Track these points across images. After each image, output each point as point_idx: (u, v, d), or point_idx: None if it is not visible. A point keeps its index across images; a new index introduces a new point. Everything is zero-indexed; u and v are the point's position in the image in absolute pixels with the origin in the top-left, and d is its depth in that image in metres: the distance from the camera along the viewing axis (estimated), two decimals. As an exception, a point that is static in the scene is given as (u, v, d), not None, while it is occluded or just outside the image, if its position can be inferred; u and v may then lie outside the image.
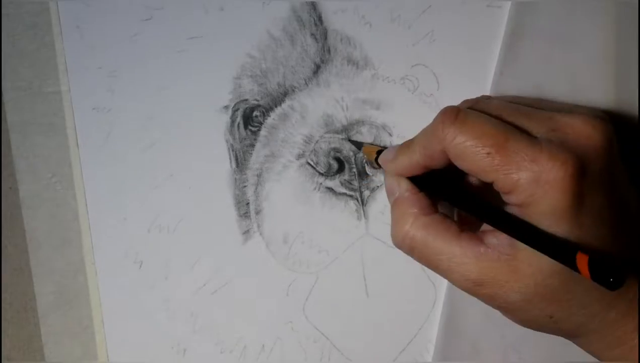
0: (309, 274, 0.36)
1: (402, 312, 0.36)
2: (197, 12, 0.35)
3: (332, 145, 0.35)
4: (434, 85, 0.35)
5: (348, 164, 0.35)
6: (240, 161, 0.36)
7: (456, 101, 0.34)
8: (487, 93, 0.35)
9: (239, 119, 0.36)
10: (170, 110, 0.36)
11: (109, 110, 0.36)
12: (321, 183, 0.35)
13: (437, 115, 0.28)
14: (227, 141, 0.36)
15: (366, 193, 0.36)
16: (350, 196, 0.36)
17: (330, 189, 0.35)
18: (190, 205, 0.36)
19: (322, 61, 0.35)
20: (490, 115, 0.28)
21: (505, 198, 0.28)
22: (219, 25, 0.35)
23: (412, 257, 0.30)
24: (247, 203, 0.36)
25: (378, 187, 0.36)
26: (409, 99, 0.35)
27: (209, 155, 0.36)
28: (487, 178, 0.27)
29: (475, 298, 0.28)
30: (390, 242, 0.36)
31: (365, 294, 0.36)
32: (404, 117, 0.35)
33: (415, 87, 0.35)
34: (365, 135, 0.35)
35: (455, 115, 0.28)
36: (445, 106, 0.29)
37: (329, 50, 0.35)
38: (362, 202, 0.36)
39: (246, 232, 0.36)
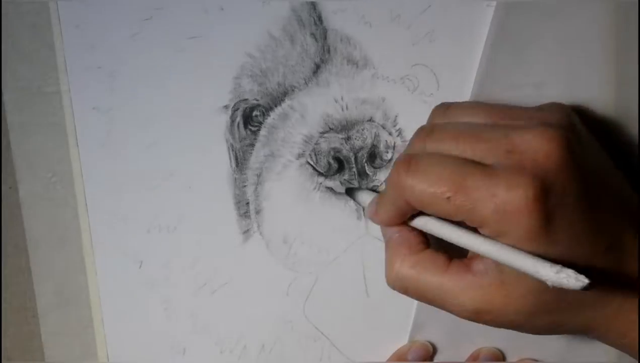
0: (309, 274, 0.36)
1: (402, 312, 0.36)
2: (197, 12, 0.35)
3: (332, 145, 0.35)
4: (434, 85, 0.35)
5: (348, 164, 0.35)
6: (240, 161, 0.36)
7: (457, 101, 0.34)
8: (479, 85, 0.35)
9: (238, 119, 0.36)
10: (170, 110, 0.36)
11: (109, 110, 0.36)
12: (321, 183, 0.35)
13: (393, 164, 0.29)
14: (227, 141, 0.36)
15: (366, 193, 0.36)
16: (350, 196, 0.36)
17: (330, 189, 0.35)
18: (190, 205, 0.36)
19: (322, 61, 0.35)
20: (447, 143, 0.28)
21: (480, 231, 0.28)
22: (219, 25, 0.35)
23: (408, 296, 0.30)
24: (247, 203, 0.36)
25: (378, 187, 0.36)
26: (408, 98, 0.35)
27: (209, 154, 0.36)
28: (455, 219, 0.27)
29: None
30: (390, 241, 0.36)
31: (365, 294, 0.36)
32: (404, 117, 0.35)
33: (415, 86, 0.35)
34: (365, 135, 0.35)
35: (407, 163, 0.28)
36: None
37: (328, 50, 0.35)
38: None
39: (246, 232, 0.36)
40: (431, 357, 0.36)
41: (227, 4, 0.35)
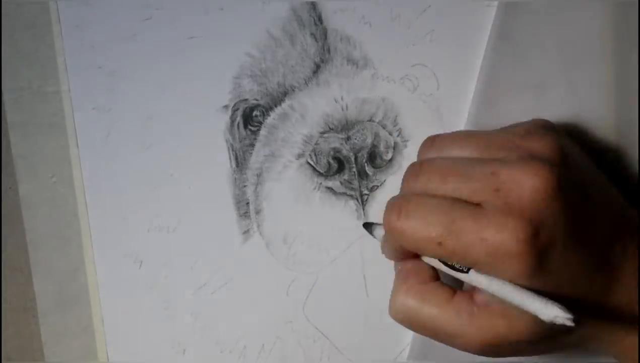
0: (308, 274, 0.36)
1: (402, 312, 0.36)
2: (196, 12, 0.35)
3: (332, 145, 0.35)
4: (434, 85, 0.35)
5: (348, 164, 0.35)
6: (240, 161, 0.36)
7: (457, 101, 0.34)
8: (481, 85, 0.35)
9: (238, 119, 0.36)
10: (170, 109, 0.36)
11: (109, 110, 0.36)
12: (321, 183, 0.35)
13: (386, 206, 0.29)
14: (226, 141, 0.36)
15: (366, 193, 0.36)
16: (350, 196, 0.36)
17: (330, 189, 0.35)
18: (190, 205, 0.36)
19: (322, 61, 0.35)
20: (435, 183, 0.28)
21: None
22: (219, 25, 0.35)
23: (411, 329, 0.30)
24: (247, 203, 0.36)
25: (378, 187, 0.36)
26: (408, 98, 0.35)
27: (209, 155, 0.36)
28: (450, 261, 0.28)
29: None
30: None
31: (365, 294, 0.36)
32: (404, 117, 0.35)
33: (415, 86, 0.35)
34: (365, 135, 0.35)
35: (398, 208, 0.28)
36: (425, 138, 0.30)
37: (328, 50, 0.35)
38: (362, 202, 0.36)
39: (246, 232, 0.36)
40: None
41: (227, 4, 0.35)
